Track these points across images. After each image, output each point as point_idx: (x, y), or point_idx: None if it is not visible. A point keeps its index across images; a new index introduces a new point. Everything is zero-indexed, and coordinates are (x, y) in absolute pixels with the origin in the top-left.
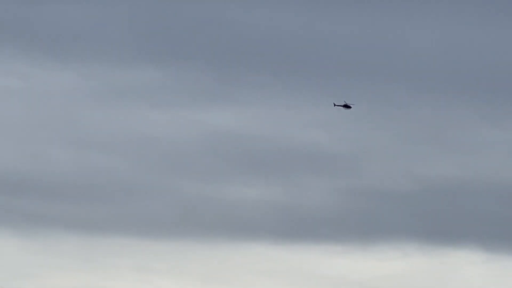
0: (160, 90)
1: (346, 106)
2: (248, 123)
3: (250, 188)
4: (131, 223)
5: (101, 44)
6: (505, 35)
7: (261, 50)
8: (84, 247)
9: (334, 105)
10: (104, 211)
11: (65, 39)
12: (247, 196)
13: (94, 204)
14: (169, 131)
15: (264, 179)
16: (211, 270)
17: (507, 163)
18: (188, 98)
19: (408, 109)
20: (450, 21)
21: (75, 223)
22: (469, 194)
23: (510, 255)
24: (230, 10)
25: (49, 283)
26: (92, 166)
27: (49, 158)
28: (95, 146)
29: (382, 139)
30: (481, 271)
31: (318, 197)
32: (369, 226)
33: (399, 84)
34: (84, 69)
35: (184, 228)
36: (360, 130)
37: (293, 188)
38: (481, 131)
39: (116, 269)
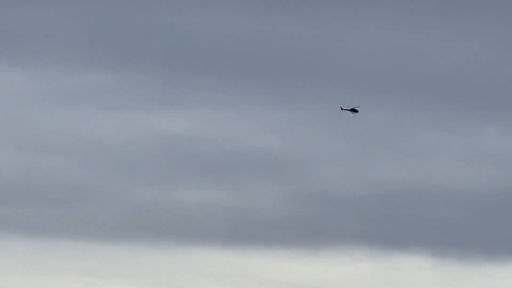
0: (110, 93)
1: (353, 110)
2: (198, 127)
3: (199, 192)
4: (80, 226)
5: (50, 47)
6: (453, 38)
7: (211, 53)
8: (33, 250)
9: (341, 109)
10: (53, 214)
11: (15, 41)
12: (197, 200)
13: (43, 207)
14: (119, 134)
15: (214, 183)
16: (160, 273)
17: (456, 168)
18: (138, 101)
19: (358, 113)
20: (401, 25)
21: (25, 226)
22: (417, 199)
23: (458, 260)
24: (180, 13)
25: None
26: (42, 169)
27: None
28: (45, 149)
29: (332, 143)
30: (429, 275)
31: (268, 201)
32: (318, 230)
33: (350, 88)
34: (34, 72)
35: (134, 232)
36: (310, 134)
37: (243, 192)
38: (430, 136)
39: (65, 272)
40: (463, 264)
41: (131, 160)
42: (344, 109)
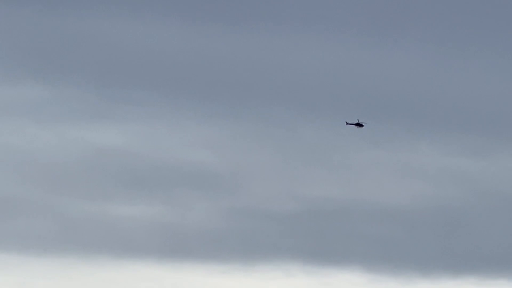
0: (42, 106)
1: (359, 125)
2: (131, 141)
3: (133, 206)
4: (12, 239)
5: None
6: (385, 55)
7: (144, 67)
8: None
9: (346, 123)
10: None
11: None
12: (130, 214)
13: None
14: (51, 148)
15: (147, 197)
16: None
17: (389, 185)
18: (70, 114)
19: (291, 129)
20: (337, 40)
21: None
22: (351, 215)
23: (391, 277)
24: (114, 27)
25: None
26: None
27: None
28: None
29: (266, 159)
30: None
31: (202, 216)
32: (251, 245)
33: (283, 104)
34: None
35: (67, 246)
36: (243, 149)
37: (176, 206)
38: (363, 152)
39: None
40: (397, 280)
41: (64, 173)
42: (349, 124)
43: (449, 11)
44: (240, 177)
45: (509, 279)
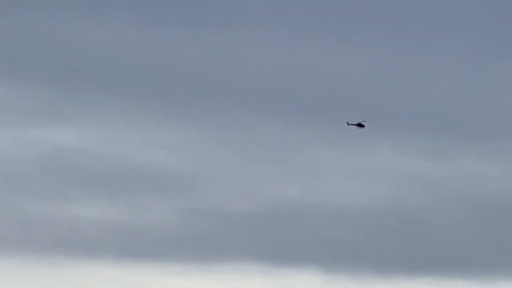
0: (0, 107)
1: (360, 125)
2: (90, 141)
3: (91, 207)
4: None
5: None
6: (342, 53)
7: (102, 68)
8: None
9: (348, 124)
10: None
11: None
12: (88, 214)
13: None
14: (9, 148)
15: (106, 198)
16: None
17: (348, 186)
18: (29, 115)
19: (249, 130)
20: (294, 40)
21: None
22: (309, 216)
23: (349, 277)
24: (70, 26)
25: None
26: None
27: None
28: None
29: (224, 160)
30: None
31: (159, 217)
32: (209, 246)
33: (241, 105)
34: None
35: (25, 246)
36: (201, 150)
37: (135, 207)
38: (322, 153)
39: None
40: (354, 281)
41: (22, 174)
42: (350, 124)
43: (409, 9)
44: (198, 178)
45: (465, 279)
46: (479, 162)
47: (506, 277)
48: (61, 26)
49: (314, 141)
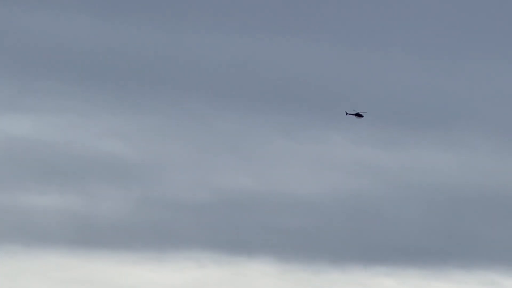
0: None
1: (358, 115)
2: (44, 131)
3: (45, 196)
4: None
5: None
6: (303, 44)
7: (57, 58)
8: None
9: (346, 113)
10: None
11: None
12: (42, 203)
13: None
14: None
15: (59, 187)
16: (5, 277)
17: (302, 176)
18: None
19: (204, 120)
20: (249, 31)
21: None
22: (264, 205)
23: (303, 267)
24: (26, 16)
25: None
26: None
27: None
28: None
29: (178, 149)
30: (275, 282)
31: (114, 206)
32: (164, 235)
33: (196, 95)
34: None
35: None
36: (156, 140)
37: (89, 196)
38: (277, 143)
39: None
40: (309, 270)
41: None
42: (349, 114)
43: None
44: (152, 168)
45: (418, 268)
46: (433, 152)
47: (458, 265)
48: (12, 16)
49: (269, 131)
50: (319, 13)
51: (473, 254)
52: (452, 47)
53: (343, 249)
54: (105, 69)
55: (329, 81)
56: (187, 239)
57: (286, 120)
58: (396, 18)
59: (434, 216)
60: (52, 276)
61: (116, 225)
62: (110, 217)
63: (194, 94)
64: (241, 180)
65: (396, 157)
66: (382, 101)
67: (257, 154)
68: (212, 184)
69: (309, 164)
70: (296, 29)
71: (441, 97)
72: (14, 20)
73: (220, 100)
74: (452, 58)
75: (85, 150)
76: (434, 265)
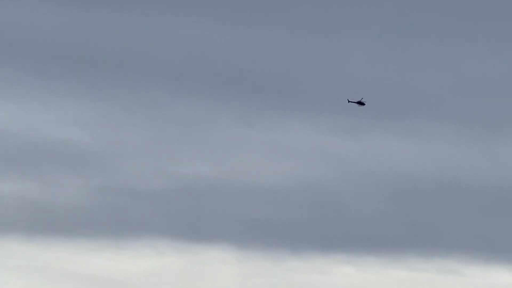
0: None
1: (360, 103)
2: (1, 118)
3: (2, 183)
4: None
5: None
6: (255, 33)
7: (15, 44)
8: None
9: (348, 101)
10: None
11: None
12: (0, 191)
13: None
14: None
15: (16, 174)
16: None
17: (261, 164)
18: None
19: (162, 107)
20: (201, 19)
21: None
22: (222, 193)
23: (262, 255)
24: None
25: None
26: None
27: None
28: None
29: (136, 136)
30: (233, 269)
31: (72, 194)
32: (122, 223)
33: (153, 81)
34: None
35: None
36: (114, 127)
37: (46, 184)
38: (236, 131)
39: None
40: (268, 258)
41: None
42: (351, 101)
43: None
44: (111, 155)
45: (377, 256)
46: (391, 141)
47: (416, 254)
48: None
49: (228, 119)
50: (275, 0)
51: (431, 242)
52: (410, 36)
53: (302, 237)
54: (62, 56)
55: (288, 68)
56: (145, 227)
57: (245, 107)
58: (354, 7)
59: (393, 204)
60: (9, 264)
61: (73, 212)
62: (68, 204)
63: (151, 81)
64: (200, 167)
65: (355, 145)
66: (341, 89)
67: (216, 141)
68: (171, 171)
69: (268, 152)
70: (254, 16)
71: (399, 86)
72: None
73: (178, 87)
74: (410, 47)
75: (42, 138)
76: (392, 253)
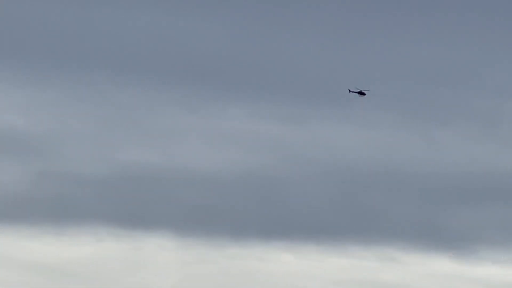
0: None
1: (361, 93)
2: None
3: None
4: None
5: None
6: (203, 25)
7: None
8: None
9: (349, 91)
10: None
11: None
12: None
13: None
14: None
15: None
16: None
17: (201, 151)
18: None
19: (105, 93)
20: (145, 6)
21: None
22: (163, 180)
23: (202, 242)
24: None
25: None
26: None
27: None
28: None
29: (78, 122)
30: (173, 256)
31: (12, 179)
32: (63, 209)
33: (96, 68)
34: None
35: None
36: (55, 113)
37: None
38: (177, 117)
39: None
40: (207, 245)
41: None
42: (352, 91)
43: None
44: (52, 141)
45: (317, 243)
46: (333, 128)
47: (355, 242)
48: None
49: (169, 106)
50: None
51: (371, 230)
52: (351, 26)
53: (242, 224)
54: (3, 43)
55: (229, 56)
56: (85, 213)
57: (187, 94)
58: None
59: (332, 192)
60: None
61: (14, 198)
62: (8, 190)
63: (95, 67)
64: (141, 154)
65: (296, 132)
66: (282, 76)
67: (158, 128)
68: (112, 158)
69: (209, 139)
70: (195, 4)
71: (342, 73)
72: None
73: (121, 74)
74: (350, 36)
75: None
76: (332, 240)
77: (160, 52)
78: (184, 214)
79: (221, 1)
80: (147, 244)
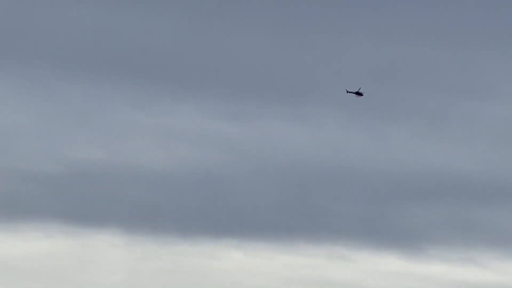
0: None
1: (358, 94)
2: None
3: None
4: None
5: None
6: (148, 19)
7: None
8: None
9: (347, 91)
10: None
11: None
12: None
13: None
14: None
15: None
16: None
17: (152, 148)
18: None
19: (55, 89)
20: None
21: None
22: (112, 177)
23: (151, 239)
24: None
25: None
26: None
27: None
28: None
29: (28, 119)
30: (122, 253)
31: None
32: (12, 206)
33: (44, 64)
34: None
35: None
36: (5, 109)
37: None
38: (127, 114)
39: None
40: (156, 242)
41: None
42: (349, 92)
43: None
44: (2, 138)
45: (266, 241)
46: (282, 126)
47: (305, 239)
48: None
49: (118, 103)
50: None
51: (321, 228)
52: (301, 21)
53: (192, 221)
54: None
55: (179, 54)
56: (35, 210)
57: (135, 91)
58: None
59: (282, 190)
60: None
61: None
62: None
63: (43, 64)
64: (90, 151)
65: (245, 130)
66: (232, 74)
67: (107, 125)
68: (62, 155)
69: (158, 137)
70: (146, 1)
71: (291, 71)
72: None
73: (71, 72)
74: (301, 33)
75: None
76: (282, 238)
77: (109, 50)
78: (133, 211)
79: (171, 1)
80: (95, 240)
